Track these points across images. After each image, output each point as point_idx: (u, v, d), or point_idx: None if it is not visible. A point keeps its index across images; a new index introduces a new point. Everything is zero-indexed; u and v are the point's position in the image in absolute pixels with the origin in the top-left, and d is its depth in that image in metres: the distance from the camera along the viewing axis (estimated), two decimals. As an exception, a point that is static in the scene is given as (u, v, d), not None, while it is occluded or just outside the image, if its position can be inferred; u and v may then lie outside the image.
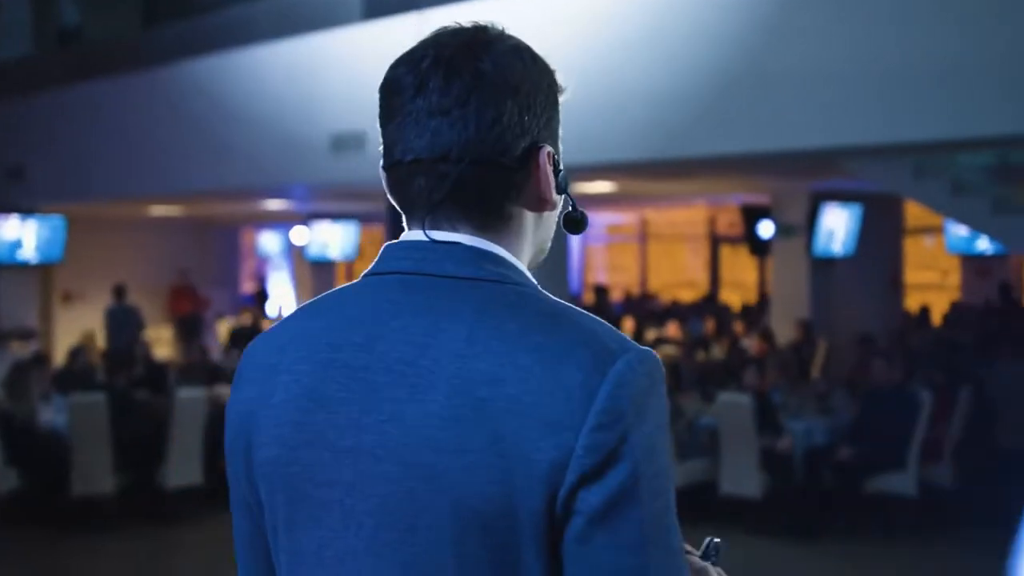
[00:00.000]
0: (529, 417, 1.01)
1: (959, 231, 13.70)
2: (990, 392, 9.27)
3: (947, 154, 8.28)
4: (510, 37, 1.17)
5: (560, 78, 1.21)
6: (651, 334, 13.32)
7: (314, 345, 1.13)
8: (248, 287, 19.04)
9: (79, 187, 12.28)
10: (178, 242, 16.14)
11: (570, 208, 1.22)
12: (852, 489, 7.53)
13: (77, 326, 14.04)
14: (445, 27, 1.17)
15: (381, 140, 1.17)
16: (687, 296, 16.81)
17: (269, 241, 19.57)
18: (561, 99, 1.20)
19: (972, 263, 15.85)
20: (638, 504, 1.01)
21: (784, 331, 11.42)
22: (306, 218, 15.54)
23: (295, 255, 17.23)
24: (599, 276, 19.16)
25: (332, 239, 15.45)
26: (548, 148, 1.16)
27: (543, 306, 1.09)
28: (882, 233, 12.52)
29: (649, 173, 9.65)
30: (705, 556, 1.26)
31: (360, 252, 16.32)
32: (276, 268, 19.33)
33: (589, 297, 14.93)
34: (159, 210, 14.74)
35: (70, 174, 12.21)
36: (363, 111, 9.57)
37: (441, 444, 1.03)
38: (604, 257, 19.70)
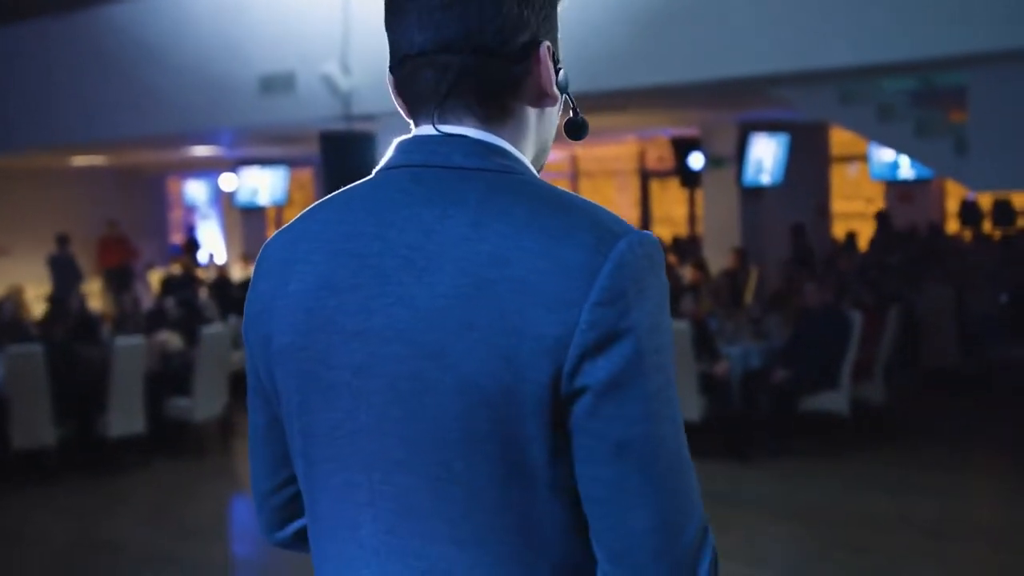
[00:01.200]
0: (534, 295, 1.06)
1: (883, 159, 13.96)
2: (916, 314, 9.56)
3: (872, 79, 8.42)
4: None
5: None
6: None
7: (328, 236, 1.18)
8: (177, 237, 18.78)
9: (-1, 138, 11.99)
10: (104, 193, 15.85)
11: (572, 113, 1.27)
12: (787, 410, 7.74)
13: (3, 280, 13.77)
14: None
15: (388, 41, 1.21)
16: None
17: (196, 189, 19.29)
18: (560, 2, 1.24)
19: (895, 189, 16.18)
20: (643, 377, 1.06)
21: (717, 261, 11.60)
22: (234, 165, 15.35)
23: (224, 202, 17.02)
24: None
25: (261, 185, 15.29)
26: (547, 43, 1.20)
27: (546, 192, 1.13)
28: (809, 162, 12.74)
29: (579, 107, 9.67)
30: None
31: (289, 198, 16.16)
32: (204, 216, 19.08)
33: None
34: (83, 160, 14.46)
35: (-12, 125, 11.90)
36: (292, 51, 9.47)
37: (447, 323, 1.08)
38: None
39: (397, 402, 1.11)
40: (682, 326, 7.71)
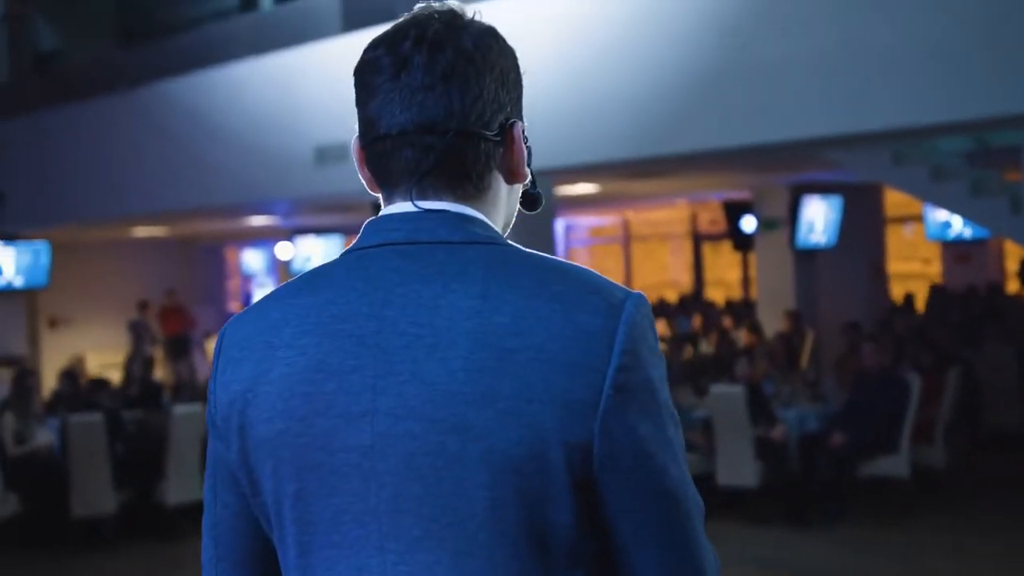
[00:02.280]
0: (556, 363, 1.09)
1: (939, 219, 13.83)
2: (976, 374, 9.40)
3: (925, 140, 8.38)
4: (481, 20, 1.25)
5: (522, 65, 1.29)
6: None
7: (316, 319, 1.16)
8: (235, 305, 19.02)
9: (61, 211, 12.27)
10: (163, 262, 16.12)
11: (529, 186, 1.29)
12: (846, 474, 7.61)
13: (65, 350, 14.01)
14: (422, 9, 1.24)
15: (358, 119, 1.23)
16: (671, 295, 16.89)
17: (253, 258, 19.57)
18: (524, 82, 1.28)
19: (952, 249, 15.99)
20: (665, 426, 1.14)
21: (771, 324, 11.51)
22: (290, 233, 15.56)
23: (280, 271, 17.24)
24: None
25: (316, 253, 15.47)
26: (521, 123, 1.25)
27: (545, 261, 1.16)
28: (863, 223, 12.64)
29: (630, 172, 9.72)
30: None
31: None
32: (261, 285, 19.33)
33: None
34: (143, 231, 14.73)
35: (52, 198, 12.20)
36: (346, 122, 9.62)
37: (468, 397, 1.09)
38: (587, 259, 19.77)
39: (416, 479, 1.10)
40: (737, 390, 7.65)
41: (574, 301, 1.11)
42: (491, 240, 1.17)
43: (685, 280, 18.37)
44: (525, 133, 1.26)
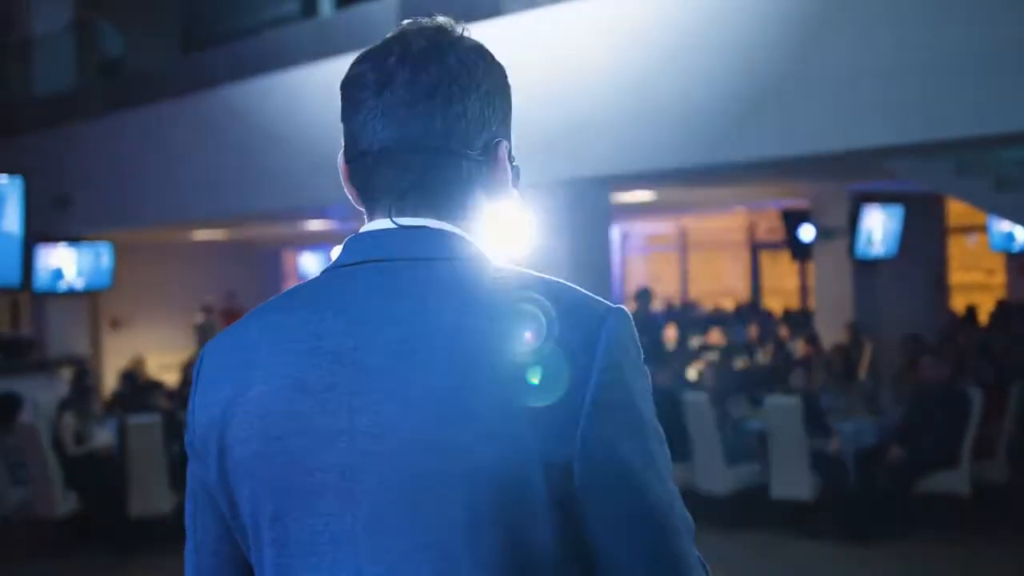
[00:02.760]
0: (536, 378, 1.07)
1: (1003, 229, 13.59)
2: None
3: (989, 150, 8.24)
4: (470, 38, 1.22)
5: (511, 83, 1.25)
6: (695, 341, 13.30)
7: (293, 337, 1.15)
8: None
9: (124, 214, 12.47)
10: (222, 265, 16.31)
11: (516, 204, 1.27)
12: (904, 489, 7.49)
13: (126, 351, 14.22)
14: (409, 25, 1.22)
15: (343, 134, 1.23)
16: (728, 304, 16.77)
17: (311, 261, 19.74)
18: (514, 100, 1.26)
19: (1017, 261, 15.70)
20: (647, 444, 1.11)
21: (828, 335, 11.37)
22: (346, 237, 15.67)
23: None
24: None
25: (372, 257, 15.57)
26: (506, 143, 1.22)
27: (524, 277, 1.14)
28: (925, 233, 12.45)
29: (688, 180, 9.66)
30: None
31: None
32: (318, 289, 19.48)
33: (631, 305, 14.91)
34: (203, 234, 14.92)
35: (115, 201, 12.40)
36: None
37: (447, 415, 1.07)
38: (644, 267, 19.69)
39: (394, 500, 1.08)
40: (793, 401, 7.56)
41: (554, 317, 1.09)
42: (470, 257, 1.16)
43: (742, 288, 18.23)
44: (512, 152, 1.23)
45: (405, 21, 1.24)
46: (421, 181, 1.17)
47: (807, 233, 12.39)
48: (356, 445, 1.10)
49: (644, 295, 11.83)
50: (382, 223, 1.19)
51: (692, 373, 10.62)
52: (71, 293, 12.86)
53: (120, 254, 13.08)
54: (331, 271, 1.20)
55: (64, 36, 13.54)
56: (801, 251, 12.79)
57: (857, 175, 10.10)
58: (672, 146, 7.71)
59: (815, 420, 7.65)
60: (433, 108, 1.16)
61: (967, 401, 7.46)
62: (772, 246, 17.13)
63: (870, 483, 7.58)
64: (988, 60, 6.38)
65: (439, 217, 1.18)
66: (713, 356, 11.25)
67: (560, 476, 1.07)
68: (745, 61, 7.39)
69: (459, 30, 1.22)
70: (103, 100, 12.88)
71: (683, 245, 19.00)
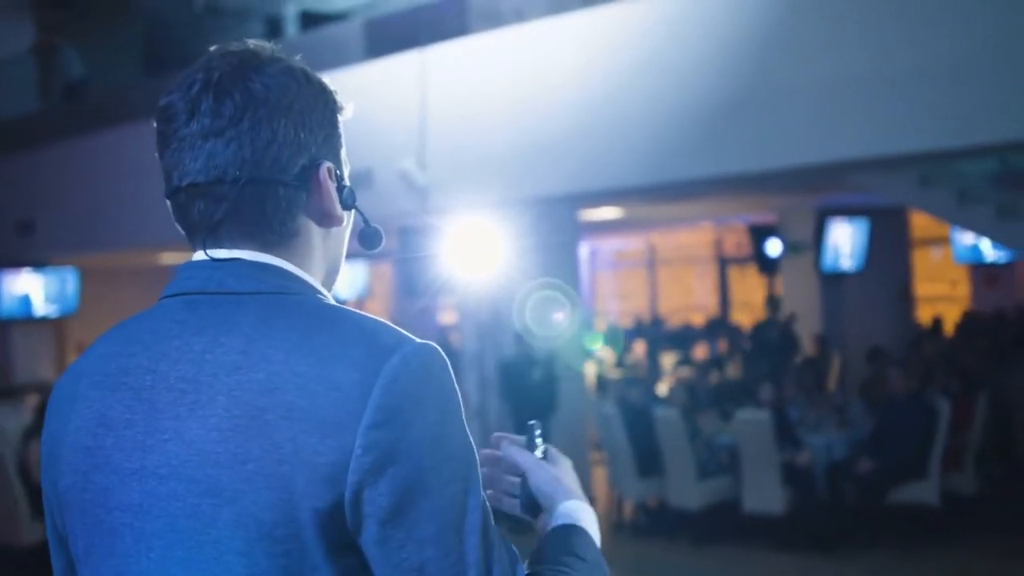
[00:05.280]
0: (307, 422, 1.02)
1: (966, 241, 13.74)
2: (1007, 399, 9.29)
3: (952, 163, 8.33)
4: (282, 58, 1.18)
5: (339, 97, 1.22)
6: (667, 359, 13.34)
7: (106, 370, 1.14)
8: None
9: (90, 238, 12.37)
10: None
11: (363, 224, 1.24)
12: (875, 501, 7.53)
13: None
14: (215, 51, 1.19)
15: (162, 169, 1.18)
16: (697, 319, 16.84)
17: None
18: (342, 117, 1.22)
19: (980, 272, 15.87)
20: (428, 495, 1.01)
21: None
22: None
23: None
24: (609, 303, 19.19)
25: (341, 279, 15.49)
26: (328, 164, 1.17)
27: (323, 312, 1.10)
28: (890, 246, 12.57)
29: (655, 196, 9.70)
30: (531, 446, 1.27)
31: (371, 291, 16.37)
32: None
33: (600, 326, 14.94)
34: (170, 257, 14.82)
35: (80, 226, 12.30)
36: (370, 148, 9.69)
37: (221, 457, 1.04)
38: (613, 284, 19.75)
39: (178, 544, 1.05)
40: (763, 415, 7.59)
41: (333, 355, 1.03)
42: (280, 290, 1.12)
43: (711, 303, 18.32)
44: (340, 173, 1.19)
45: (213, 47, 1.20)
46: (236, 211, 1.13)
47: (774, 247, 12.48)
48: (146, 485, 1.08)
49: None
50: (198, 254, 1.16)
51: (663, 388, 10.64)
52: (37, 319, 12.73)
53: (86, 278, 12.97)
54: (160, 301, 1.18)
55: (26, 60, 13.46)
56: (769, 265, 12.89)
57: (823, 189, 10.19)
58: (639, 163, 7.74)
59: (785, 433, 7.68)
60: (240, 135, 1.11)
61: (935, 412, 7.52)
62: (740, 261, 17.23)
63: (841, 495, 7.61)
64: (952, 73, 6.45)
65: (260, 246, 1.14)
66: (685, 372, 11.29)
67: (333, 524, 1.01)
68: (709, 77, 7.44)
69: (268, 52, 1.17)
70: (66, 123, 12.80)
71: (652, 261, 19.08)
